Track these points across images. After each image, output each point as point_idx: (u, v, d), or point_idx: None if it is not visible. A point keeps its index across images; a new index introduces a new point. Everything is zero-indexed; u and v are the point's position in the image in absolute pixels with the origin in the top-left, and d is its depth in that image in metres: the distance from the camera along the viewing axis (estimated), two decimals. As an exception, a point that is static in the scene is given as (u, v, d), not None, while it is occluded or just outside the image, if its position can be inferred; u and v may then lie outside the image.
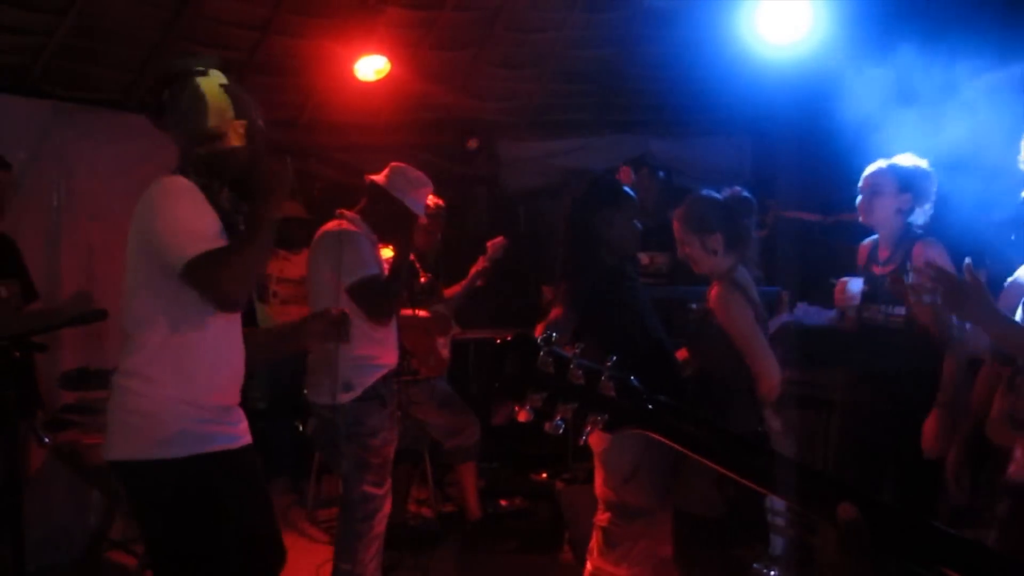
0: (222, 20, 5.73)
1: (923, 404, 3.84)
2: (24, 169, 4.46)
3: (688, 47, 6.79)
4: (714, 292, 3.45)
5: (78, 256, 5.55)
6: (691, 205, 3.58)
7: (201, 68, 2.83)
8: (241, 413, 2.88)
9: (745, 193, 3.62)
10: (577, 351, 1.51)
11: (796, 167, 6.55)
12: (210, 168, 2.76)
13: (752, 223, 3.60)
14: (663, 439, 1.53)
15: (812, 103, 6.40)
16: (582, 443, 1.55)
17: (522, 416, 1.55)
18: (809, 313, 5.68)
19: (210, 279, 2.58)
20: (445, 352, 5.38)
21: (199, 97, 2.77)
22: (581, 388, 1.50)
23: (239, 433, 2.84)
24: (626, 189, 3.81)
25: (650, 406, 1.51)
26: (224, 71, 2.88)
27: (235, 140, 2.79)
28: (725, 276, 3.48)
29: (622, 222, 3.67)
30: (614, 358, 1.50)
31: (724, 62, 6.57)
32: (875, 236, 4.14)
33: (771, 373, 3.40)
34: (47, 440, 4.56)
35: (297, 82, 6.31)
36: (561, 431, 1.54)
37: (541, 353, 1.51)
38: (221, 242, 2.64)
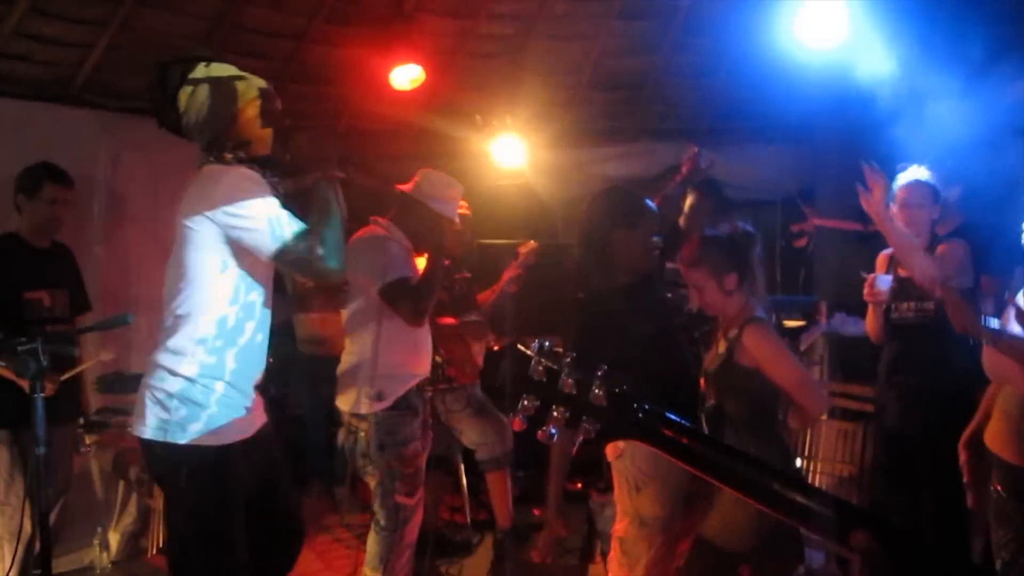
0: (259, 30, 5.81)
1: (959, 407, 3.86)
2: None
3: (726, 54, 6.75)
4: (747, 334, 3.32)
5: (119, 263, 5.64)
6: (700, 248, 3.47)
7: (196, 59, 2.92)
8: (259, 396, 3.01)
9: (748, 227, 3.52)
10: (568, 360, 1.51)
11: (837, 175, 6.46)
12: (240, 145, 2.87)
13: (758, 256, 3.49)
14: (656, 449, 1.52)
15: (853, 109, 6.33)
16: (575, 453, 1.54)
17: (516, 424, 1.55)
18: (847, 323, 5.62)
19: (306, 261, 2.73)
20: (480, 359, 5.37)
21: (205, 83, 2.88)
22: (572, 397, 1.50)
23: (261, 415, 2.99)
24: (647, 203, 3.71)
25: (640, 415, 1.50)
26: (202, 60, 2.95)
27: (261, 151, 2.87)
28: (751, 316, 3.38)
29: (639, 241, 3.61)
30: (605, 367, 1.50)
31: (763, 69, 6.50)
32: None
33: (818, 405, 3.35)
34: (86, 447, 4.66)
35: (333, 91, 6.37)
36: (554, 439, 1.54)
37: (533, 361, 1.51)
38: (295, 222, 2.75)
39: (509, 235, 6.78)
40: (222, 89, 2.87)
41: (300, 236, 2.71)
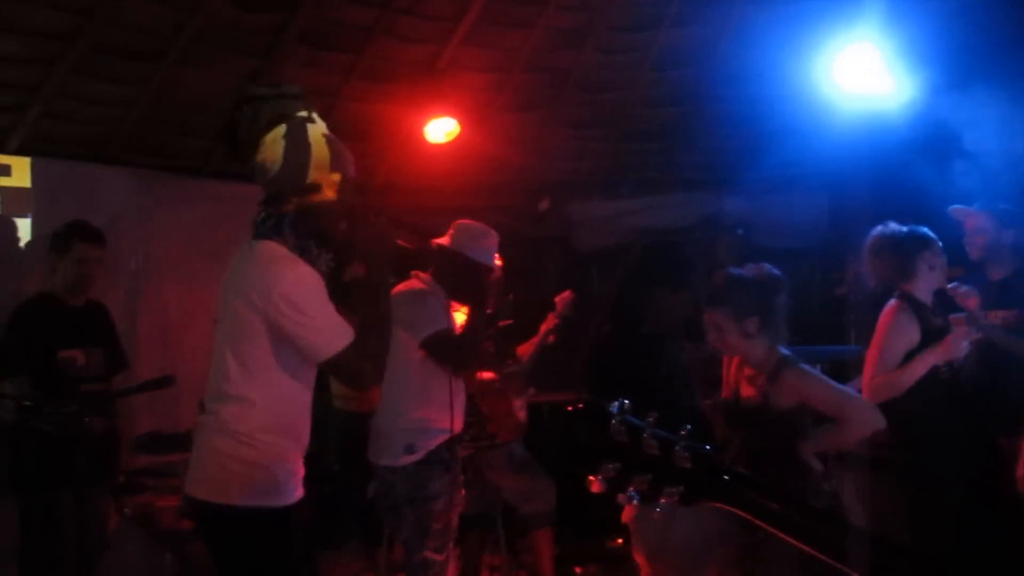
0: (294, 87, 5.84)
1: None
2: (106, 236, 4.57)
3: (760, 102, 6.73)
4: (785, 378, 3.28)
5: (155, 320, 5.64)
6: (723, 287, 3.42)
7: (307, 114, 2.81)
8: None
9: (775, 270, 3.47)
10: (651, 420, 1.45)
11: (873, 221, 6.41)
12: (304, 223, 2.75)
13: (784, 301, 3.43)
14: (741, 513, 1.45)
15: (889, 155, 6.29)
16: (656, 516, 1.48)
17: (595, 487, 1.49)
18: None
19: (354, 374, 2.81)
20: (522, 414, 5.30)
21: (304, 145, 2.74)
22: (655, 459, 1.44)
23: (302, 485, 2.95)
24: (698, 270, 3.68)
25: (726, 477, 1.44)
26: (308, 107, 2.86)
27: (330, 194, 2.76)
28: (782, 358, 3.33)
29: (679, 304, 3.59)
30: (688, 427, 1.43)
31: (797, 116, 6.49)
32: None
33: (870, 421, 3.31)
34: (125, 509, 4.62)
35: (369, 147, 6.39)
36: (635, 503, 1.48)
37: (614, 421, 1.45)
38: (351, 330, 2.72)
39: (545, 288, 6.75)
40: (299, 137, 2.77)
41: (351, 352, 2.69)
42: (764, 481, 1.49)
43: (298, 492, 2.87)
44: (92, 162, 5.54)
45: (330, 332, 2.69)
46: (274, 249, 2.73)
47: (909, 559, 1.56)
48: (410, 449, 3.95)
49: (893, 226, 4.15)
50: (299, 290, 2.67)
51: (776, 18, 6.15)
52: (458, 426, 4.15)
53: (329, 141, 2.79)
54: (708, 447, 1.45)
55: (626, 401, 1.46)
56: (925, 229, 4.12)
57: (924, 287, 4.05)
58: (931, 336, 3.90)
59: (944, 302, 4.19)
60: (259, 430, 2.74)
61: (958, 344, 3.88)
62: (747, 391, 3.42)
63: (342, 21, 5.75)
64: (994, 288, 4.43)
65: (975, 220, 4.55)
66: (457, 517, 4.15)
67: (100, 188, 5.51)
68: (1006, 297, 4.26)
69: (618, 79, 6.70)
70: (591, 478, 1.45)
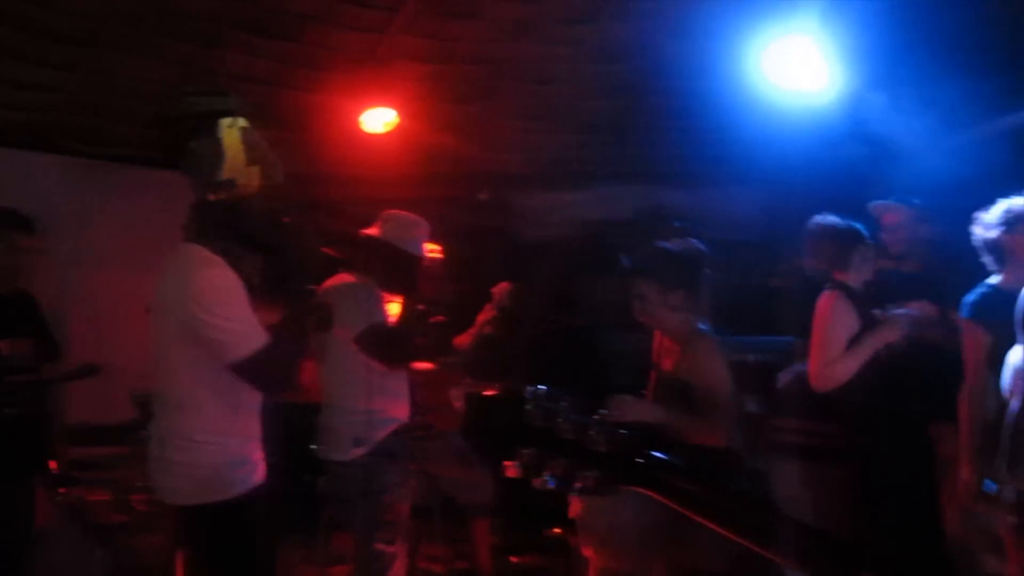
0: (230, 74, 5.77)
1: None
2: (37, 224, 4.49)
3: (699, 96, 6.77)
4: (694, 347, 3.37)
5: (88, 310, 5.55)
6: (650, 260, 3.50)
7: (223, 110, 2.81)
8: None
9: (700, 245, 3.56)
10: (566, 404, 1.45)
11: (810, 215, 6.50)
12: (226, 221, 2.76)
13: (707, 275, 3.52)
14: (658, 496, 1.46)
15: (826, 149, 6.39)
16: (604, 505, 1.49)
17: (511, 472, 1.48)
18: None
19: (261, 379, 2.76)
20: (458, 404, 5.30)
21: (217, 144, 2.76)
22: (571, 443, 1.44)
23: (260, 472, 2.96)
24: (622, 260, 3.72)
25: (642, 461, 1.45)
26: (245, 112, 2.86)
27: (247, 190, 2.77)
28: (695, 329, 3.41)
29: (605, 291, 3.63)
30: (604, 411, 1.44)
31: (738, 110, 6.54)
32: None
33: (722, 435, 3.32)
34: (56, 502, 4.54)
35: (306, 136, 6.34)
36: (551, 487, 1.48)
37: (529, 407, 1.45)
38: (263, 336, 2.71)
39: (484, 279, 6.75)
40: (212, 135, 2.78)
41: (259, 357, 2.68)
42: (680, 463, 1.49)
43: (261, 477, 2.90)
44: (21, 149, 5.41)
45: (239, 335, 2.68)
46: (194, 252, 2.76)
47: (826, 542, 1.57)
48: (359, 442, 3.94)
49: (832, 217, 4.25)
50: (210, 292, 2.68)
51: (715, 13, 6.19)
52: (405, 416, 4.16)
53: (246, 137, 2.79)
54: (623, 430, 1.46)
55: (541, 387, 1.46)
56: (858, 224, 4.22)
57: (857, 278, 4.15)
58: (867, 324, 4.01)
59: (875, 293, 4.27)
60: (215, 433, 2.77)
61: (896, 330, 3.97)
62: (667, 364, 3.49)
63: (280, 8, 5.69)
64: (910, 280, 4.53)
65: (895, 215, 4.63)
66: (407, 509, 4.15)
67: (30, 175, 5.40)
68: (921, 289, 4.35)
69: (559, 71, 6.69)
70: (507, 464, 1.46)
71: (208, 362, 2.73)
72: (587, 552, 3.58)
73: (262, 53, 5.88)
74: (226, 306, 2.68)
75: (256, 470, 2.89)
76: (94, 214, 5.63)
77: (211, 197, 2.77)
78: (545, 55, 6.53)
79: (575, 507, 3.53)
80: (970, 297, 3.86)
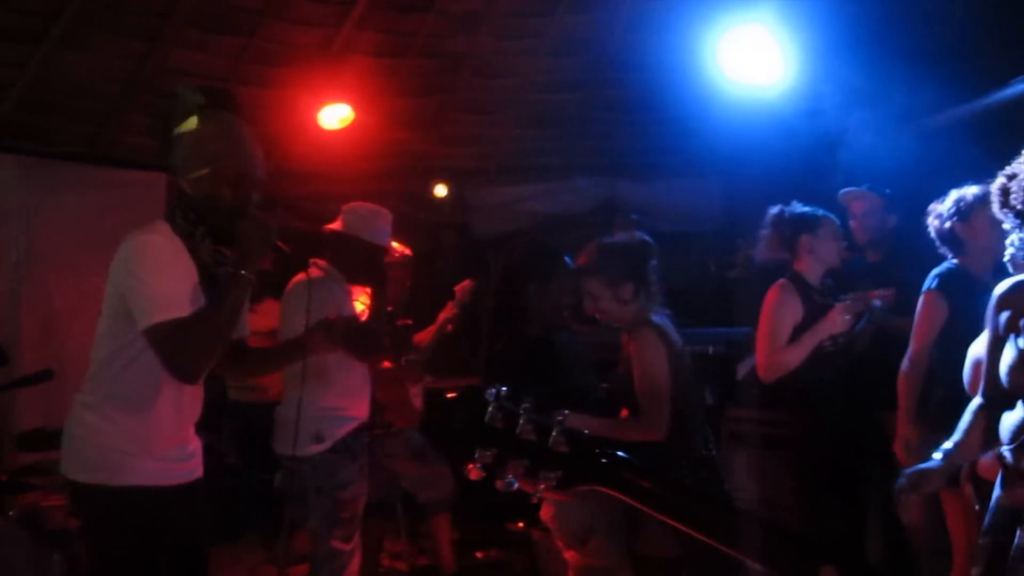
0: (184, 71, 5.69)
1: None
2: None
3: (654, 90, 6.80)
4: (634, 338, 3.39)
5: (39, 313, 5.46)
6: (596, 256, 3.51)
7: (201, 103, 2.78)
8: (193, 448, 2.90)
9: (645, 236, 3.60)
10: (528, 405, 1.45)
11: (765, 205, 6.55)
12: (196, 211, 2.74)
13: (655, 266, 3.54)
14: (620, 496, 1.47)
15: (780, 141, 6.44)
16: (535, 501, 1.49)
17: (473, 474, 1.48)
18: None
19: (169, 351, 2.61)
20: (418, 402, 5.29)
21: (190, 135, 2.74)
22: (532, 444, 1.44)
23: (186, 470, 2.86)
24: (564, 259, 3.71)
25: (604, 461, 1.45)
26: (228, 104, 2.85)
27: (217, 183, 2.73)
28: (642, 319, 3.42)
29: (554, 295, 3.63)
30: (566, 412, 1.44)
31: (691, 103, 6.58)
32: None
33: (656, 429, 3.33)
34: (9, 510, 4.47)
35: (261, 132, 6.24)
36: (514, 488, 1.48)
37: (490, 408, 1.45)
38: (186, 309, 2.62)
39: (441, 274, 6.74)
40: (182, 127, 2.78)
41: (171, 326, 2.58)
42: (641, 462, 1.50)
43: (153, 478, 2.74)
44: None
45: (155, 301, 2.58)
46: (151, 225, 2.73)
47: (786, 536, 1.59)
48: (317, 438, 3.91)
49: (792, 206, 4.26)
50: (140, 254, 2.64)
51: (670, 5, 6.21)
52: (364, 413, 4.15)
53: (222, 128, 2.77)
54: (584, 431, 1.46)
55: (503, 388, 1.46)
56: (820, 211, 4.20)
57: (811, 267, 4.16)
58: (815, 314, 4.02)
59: (836, 281, 4.29)
60: (103, 401, 2.71)
61: (839, 320, 3.96)
62: (622, 356, 3.52)
63: (232, 3, 5.64)
64: (871, 269, 4.58)
65: (864, 203, 4.68)
66: (362, 506, 4.13)
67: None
68: (882, 278, 4.39)
69: (513, 65, 6.70)
70: (469, 465, 1.45)
71: (121, 330, 2.68)
72: (568, 555, 3.58)
73: (214, 49, 5.82)
74: (152, 271, 2.62)
75: (162, 468, 2.77)
76: (45, 214, 5.52)
77: (184, 187, 2.75)
78: (499, 49, 6.53)
79: (546, 509, 3.55)
80: (938, 270, 3.90)
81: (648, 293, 3.49)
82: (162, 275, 2.63)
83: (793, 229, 4.16)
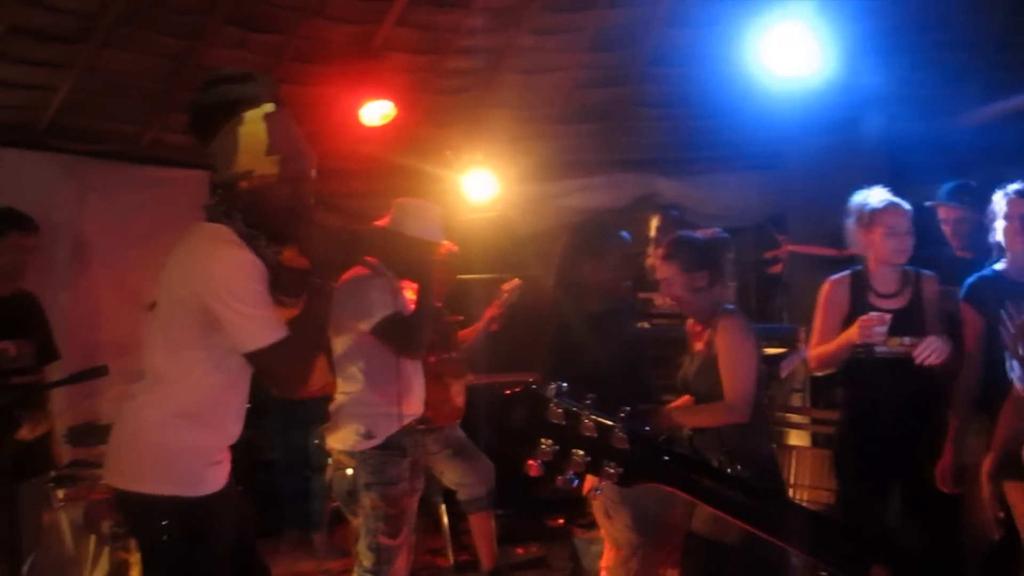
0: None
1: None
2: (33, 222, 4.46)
3: (695, 83, 6.77)
4: (721, 323, 3.45)
5: (84, 310, 5.52)
6: (675, 246, 3.59)
7: (250, 97, 2.75)
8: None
9: (724, 233, 3.65)
10: (589, 401, 1.45)
11: (807, 201, 6.50)
12: (255, 211, 2.71)
13: (731, 261, 3.61)
14: (680, 492, 1.46)
15: (822, 134, 6.38)
16: (595, 496, 1.48)
17: (534, 471, 1.48)
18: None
19: (276, 372, 2.71)
20: (460, 400, 5.29)
21: (236, 132, 2.70)
22: (593, 440, 1.43)
23: (228, 467, 2.90)
24: (616, 234, 3.83)
25: (666, 458, 1.44)
26: (274, 94, 2.80)
27: (268, 179, 2.69)
28: (723, 308, 3.50)
29: (606, 270, 3.73)
30: (628, 408, 1.44)
31: (732, 97, 6.55)
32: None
33: (741, 413, 3.36)
34: (58, 502, 4.53)
35: (303, 129, 6.30)
36: (575, 484, 1.48)
37: (551, 404, 1.44)
38: (284, 328, 2.64)
39: (481, 270, 6.73)
40: (233, 122, 2.72)
41: (274, 351, 2.61)
42: (703, 460, 1.49)
43: (218, 483, 2.79)
44: (15, 148, 5.37)
45: (259, 325, 2.61)
46: (220, 231, 2.69)
47: (845, 534, 1.57)
48: (368, 435, 3.93)
49: (872, 192, 4.00)
50: (237, 276, 2.61)
51: (709, -1, 6.19)
52: (416, 411, 4.15)
53: (271, 124, 2.71)
54: (645, 428, 1.45)
55: (563, 384, 1.46)
56: (883, 203, 3.93)
57: (872, 264, 3.98)
58: (860, 314, 3.81)
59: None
60: (174, 415, 2.70)
61: (862, 330, 3.72)
62: (697, 346, 3.58)
63: (272, 1, 5.66)
64: (967, 265, 4.23)
65: (953, 211, 4.57)
66: (415, 503, 4.15)
67: (26, 174, 5.34)
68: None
69: (552, 60, 6.68)
70: (530, 462, 1.45)
71: (200, 343, 2.67)
72: (602, 526, 3.69)
73: (254, 47, 5.84)
74: (249, 292, 2.61)
75: (220, 472, 2.82)
76: (91, 212, 5.59)
77: (239, 183, 2.70)
78: (540, 45, 6.51)
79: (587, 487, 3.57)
80: (969, 280, 3.84)
81: (723, 287, 3.56)
82: (257, 296, 2.63)
83: (856, 223, 4.00)
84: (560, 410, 1.43)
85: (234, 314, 2.60)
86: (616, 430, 1.43)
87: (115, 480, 2.76)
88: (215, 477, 2.79)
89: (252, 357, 2.64)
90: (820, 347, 3.98)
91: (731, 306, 3.54)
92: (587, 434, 1.44)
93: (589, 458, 1.43)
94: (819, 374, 4.17)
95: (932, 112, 6.28)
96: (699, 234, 3.64)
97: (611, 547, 3.77)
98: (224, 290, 2.59)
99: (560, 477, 1.45)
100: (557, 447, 1.44)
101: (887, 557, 1.46)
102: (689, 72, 6.66)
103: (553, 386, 1.44)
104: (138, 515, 2.77)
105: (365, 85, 5.92)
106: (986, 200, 3.93)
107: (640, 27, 6.55)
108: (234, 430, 2.86)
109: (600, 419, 1.43)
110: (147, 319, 2.81)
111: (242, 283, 2.61)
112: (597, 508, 3.73)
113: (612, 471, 1.43)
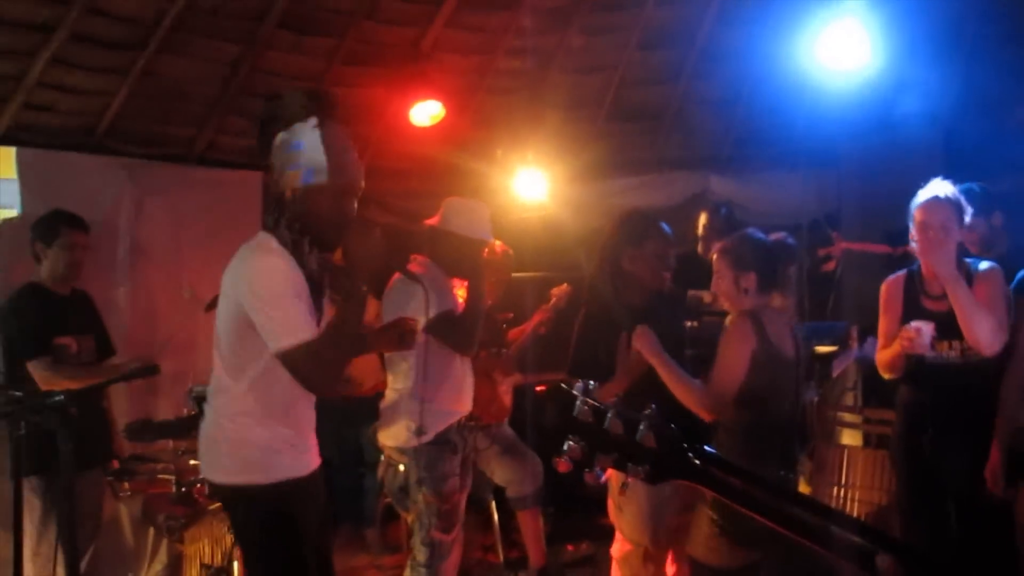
0: (278, 73, 5.84)
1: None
2: (92, 225, 4.58)
3: (746, 81, 6.73)
4: (729, 323, 3.41)
5: (142, 309, 5.65)
6: (734, 241, 3.52)
7: (303, 111, 2.82)
8: (314, 437, 3.06)
9: (790, 240, 3.54)
10: (616, 400, 1.47)
11: (861, 198, 6.42)
12: (300, 220, 2.81)
13: (793, 272, 3.50)
14: (706, 490, 1.47)
15: (876, 132, 6.30)
16: (623, 492, 1.50)
17: (562, 467, 1.50)
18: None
19: (302, 372, 2.74)
20: (507, 399, 5.31)
21: (291, 145, 2.79)
22: (620, 438, 1.45)
23: (314, 457, 3.04)
24: (658, 224, 3.81)
25: (692, 456, 1.46)
26: (334, 110, 2.87)
27: (327, 195, 2.79)
28: (746, 312, 3.38)
29: (646, 259, 3.72)
30: (653, 407, 1.45)
31: (784, 94, 6.49)
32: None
33: (709, 407, 3.32)
34: (123, 491, 4.64)
35: (354, 131, 6.36)
36: (602, 481, 1.50)
37: (578, 403, 1.46)
38: (313, 329, 2.74)
39: (531, 268, 6.75)
40: (290, 141, 2.82)
41: (302, 351, 2.70)
42: (729, 459, 1.50)
43: (295, 470, 2.92)
44: (77, 151, 5.52)
45: (284, 326, 2.70)
46: (263, 240, 2.83)
47: (876, 539, 1.56)
48: (420, 431, 3.96)
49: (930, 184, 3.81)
50: (264, 279, 2.73)
51: (760, -4, 6.15)
52: (467, 408, 4.22)
53: (325, 137, 2.78)
54: (672, 426, 1.47)
55: (591, 382, 1.48)
56: (932, 195, 3.73)
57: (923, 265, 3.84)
58: (911, 319, 3.72)
59: None
60: (238, 413, 2.87)
61: (907, 342, 3.64)
62: None
63: (324, 5, 5.75)
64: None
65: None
66: (465, 499, 4.20)
67: (86, 178, 5.49)
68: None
69: (602, 59, 6.68)
70: (557, 459, 1.47)
71: (251, 345, 2.78)
72: (613, 519, 3.75)
73: (307, 50, 5.94)
74: (275, 295, 2.72)
75: (297, 460, 2.94)
76: (149, 214, 5.72)
77: (286, 193, 2.81)
78: (589, 44, 6.53)
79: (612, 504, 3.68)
80: (1021, 274, 3.76)
81: (771, 293, 3.43)
82: (285, 299, 2.73)
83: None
84: (587, 409, 1.46)
85: (260, 316, 2.72)
86: (642, 428, 1.45)
87: (206, 474, 3.00)
88: (291, 464, 2.91)
89: (280, 357, 2.73)
90: (881, 352, 3.90)
91: (757, 311, 3.37)
92: (614, 431, 1.46)
93: (616, 455, 1.45)
94: (887, 377, 3.98)
95: (990, 108, 6.16)
96: (765, 236, 3.52)
97: (623, 539, 3.84)
98: (251, 293, 2.73)
99: (589, 473, 1.47)
100: (584, 444, 1.46)
101: (895, 550, 1.46)
102: (740, 69, 6.61)
103: (580, 384, 1.46)
104: (228, 504, 3.03)
105: (416, 87, 5.98)
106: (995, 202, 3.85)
107: (690, 25, 6.52)
108: (304, 418, 2.98)
109: (627, 418, 1.45)
110: (204, 319, 2.94)
111: (266, 286, 2.73)
112: (610, 501, 3.79)
113: (639, 468, 1.45)
